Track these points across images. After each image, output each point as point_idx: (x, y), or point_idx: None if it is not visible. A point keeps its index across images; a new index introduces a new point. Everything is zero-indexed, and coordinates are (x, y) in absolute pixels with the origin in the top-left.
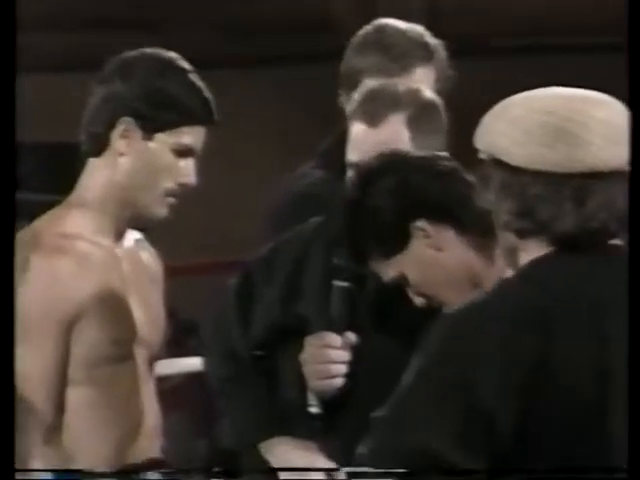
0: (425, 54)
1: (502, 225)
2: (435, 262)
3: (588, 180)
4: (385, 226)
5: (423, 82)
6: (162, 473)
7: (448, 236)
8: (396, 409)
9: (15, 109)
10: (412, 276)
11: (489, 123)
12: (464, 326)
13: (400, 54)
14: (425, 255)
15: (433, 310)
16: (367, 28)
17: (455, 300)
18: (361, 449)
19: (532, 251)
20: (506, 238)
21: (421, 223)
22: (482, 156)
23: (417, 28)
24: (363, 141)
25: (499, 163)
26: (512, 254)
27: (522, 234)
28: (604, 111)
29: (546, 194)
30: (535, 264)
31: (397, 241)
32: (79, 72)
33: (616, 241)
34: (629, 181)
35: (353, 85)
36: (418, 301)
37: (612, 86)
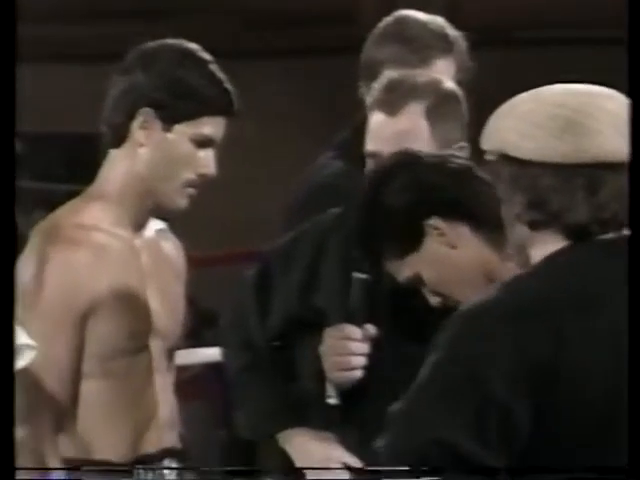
0: (445, 46)
1: (514, 218)
2: (449, 260)
3: (599, 170)
4: (399, 225)
5: (443, 73)
6: (175, 468)
7: (462, 233)
8: (412, 404)
9: (15, 101)
10: (427, 275)
11: (496, 122)
12: (477, 323)
13: (421, 46)
14: (439, 253)
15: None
16: (387, 19)
17: (470, 297)
18: (378, 443)
19: (544, 243)
20: (516, 233)
21: (435, 221)
22: (490, 157)
23: (437, 20)
24: (382, 130)
25: (508, 159)
26: (522, 250)
27: (534, 226)
28: (613, 103)
29: (557, 185)
30: (547, 261)
31: (411, 240)
32: (104, 63)
33: (626, 232)
34: (629, 179)
35: (373, 76)
36: (434, 300)
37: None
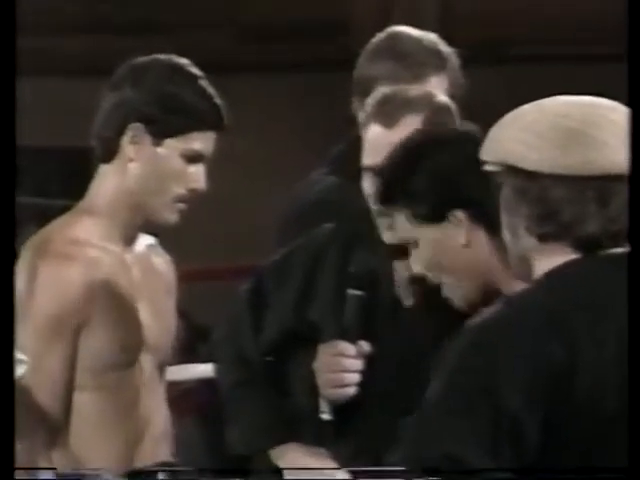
0: (439, 62)
1: (519, 230)
2: (456, 254)
3: (608, 182)
4: (424, 201)
5: (436, 89)
6: (169, 472)
7: (479, 235)
8: (424, 418)
9: (15, 113)
10: (427, 253)
11: (499, 133)
12: (489, 335)
13: (414, 62)
14: (451, 242)
15: (447, 320)
16: (380, 36)
17: (458, 298)
18: (390, 458)
19: (552, 255)
20: (521, 245)
21: (459, 213)
22: (492, 168)
23: (430, 36)
24: (379, 143)
25: (513, 170)
26: (525, 262)
27: (544, 238)
28: (616, 114)
29: (569, 196)
30: (557, 273)
31: (431, 215)
32: (96, 77)
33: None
34: (629, 182)
35: (366, 92)
36: (413, 271)
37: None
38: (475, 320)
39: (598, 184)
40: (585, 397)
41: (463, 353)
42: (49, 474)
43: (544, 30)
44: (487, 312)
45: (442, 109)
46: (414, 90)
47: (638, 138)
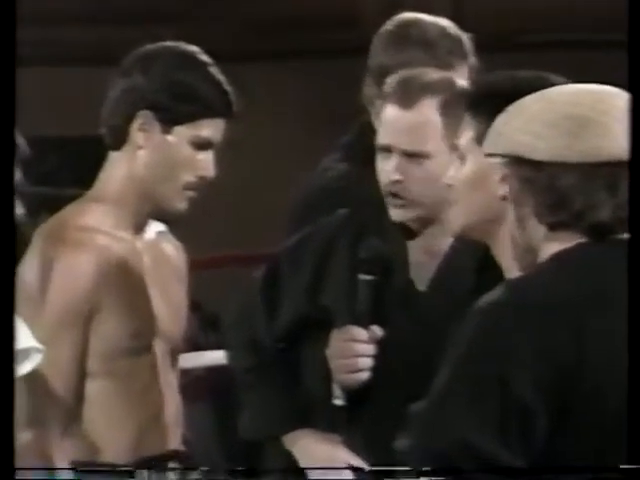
0: (462, 51)
1: (529, 219)
2: (490, 196)
3: (617, 168)
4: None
5: (461, 77)
6: (179, 470)
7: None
8: (434, 404)
9: (15, 104)
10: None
11: (503, 125)
12: (499, 319)
13: (441, 51)
14: (489, 190)
15: (457, 304)
16: (395, 22)
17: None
18: (399, 444)
19: (562, 243)
20: (528, 234)
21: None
22: (496, 160)
23: (451, 24)
24: (396, 124)
25: (520, 161)
26: (530, 253)
27: (555, 227)
28: (621, 101)
29: (580, 184)
30: (564, 255)
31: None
32: (107, 66)
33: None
34: (629, 178)
35: (385, 77)
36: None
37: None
38: (482, 303)
39: (607, 171)
40: (594, 384)
41: (472, 338)
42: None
43: (554, 17)
44: (492, 295)
45: (460, 94)
46: (433, 73)
47: (638, 126)
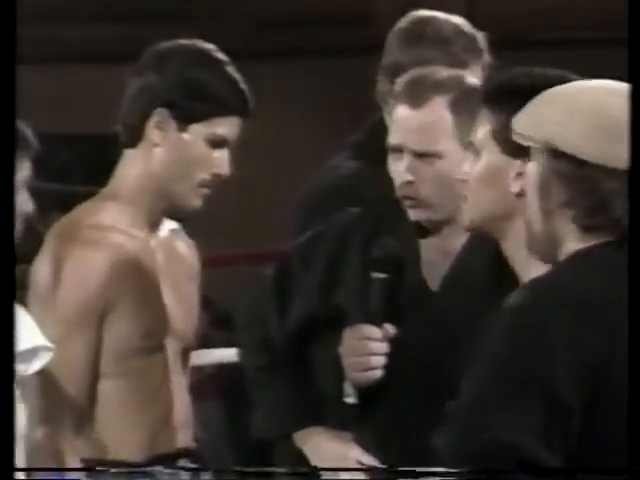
0: (477, 50)
1: (561, 217)
2: (504, 192)
3: None
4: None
5: (474, 75)
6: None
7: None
8: (472, 402)
9: (15, 102)
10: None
11: (546, 111)
12: (532, 319)
13: (456, 50)
14: (503, 186)
15: (470, 305)
16: (409, 20)
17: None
18: (436, 442)
19: (587, 241)
20: (552, 228)
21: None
22: (528, 143)
23: (465, 22)
24: (406, 123)
25: (557, 154)
26: (552, 245)
27: (591, 230)
28: None
29: (620, 189)
30: (589, 253)
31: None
32: (121, 64)
33: None
34: (629, 180)
35: (399, 74)
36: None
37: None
38: (515, 300)
39: None
40: (624, 384)
41: (508, 336)
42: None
43: (565, 14)
44: (521, 293)
45: (471, 91)
46: (444, 72)
47: (638, 124)
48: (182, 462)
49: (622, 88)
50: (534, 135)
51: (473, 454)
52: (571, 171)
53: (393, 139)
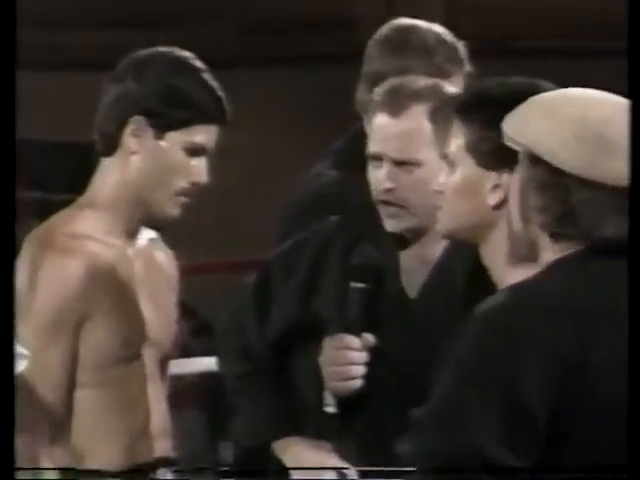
0: (459, 60)
1: (535, 223)
2: (480, 204)
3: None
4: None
5: (456, 85)
6: (174, 472)
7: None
8: (439, 406)
9: (15, 108)
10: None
11: (532, 118)
12: (505, 321)
13: (441, 60)
14: (479, 198)
15: (453, 311)
16: (390, 28)
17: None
18: (401, 448)
19: (557, 248)
20: (529, 232)
21: (506, 176)
22: (512, 145)
23: (446, 32)
24: (385, 132)
25: (537, 160)
26: (531, 248)
27: (559, 237)
28: None
29: (592, 201)
30: (570, 260)
31: (496, 160)
32: (97, 71)
33: None
34: (630, 181)
35: (379, 83)
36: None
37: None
38: (483, 308)
39: (621, 193)
40: (596, 388)
41: (477, 339)
42: None
43: (545, 23)
44: (494, 299)
45: (450, 101)
46: (422, 81)
47: (638, 133)
48: (160, 471)
49: (609, 99)
50: (518, 139)
51: (438, 459)
52: (547, 179)
53: (372, 147)
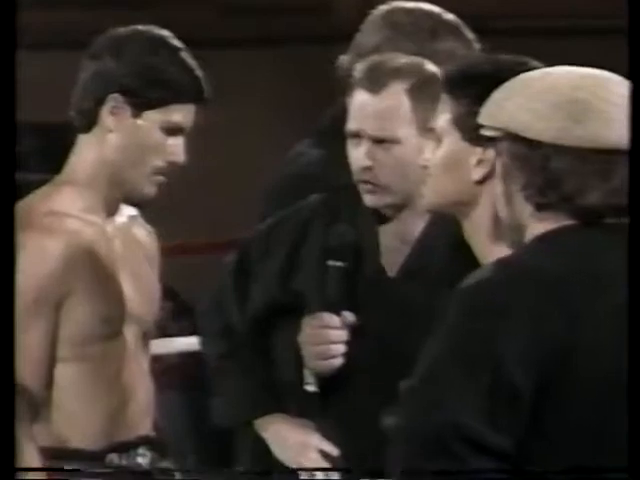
0: (467, 42)
1: (516, 196)
2: (464, 179)
3: (613, 156)
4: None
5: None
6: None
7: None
8: (424, 382)
9: (15, 90)
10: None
11: (503, 99)
12: (487, 299)
13: (449, 47)
14: (463, 174)
15: (433, 289)
16: (415, 10)
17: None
18: (388, 421)
19: (550, 223)
20: (516, 212)
21: (491, 152)
22: (491, 133)
23: (453, 16)
24: (364, 109)
25: (516, 138)
26: (518, 231)
27: (543, 207)
28: (623, 89)
29: (572, 168)
30: (553, 236)
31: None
32: (76, 50)
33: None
34: (629, 170)
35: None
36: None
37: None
38: (470, 282)
39: (602, 158)
40: (584, 365)
41: (461, 316)
42: None
43: (526, 2)
44: (481, 273)
45: (430, 78)
46: (402, 58)
47: (638, 113)
48: (142, 450)
49: (576, 69)
50: (494, 124)
51: (421, 433)
52: (526, 153)
53: (351, 125)
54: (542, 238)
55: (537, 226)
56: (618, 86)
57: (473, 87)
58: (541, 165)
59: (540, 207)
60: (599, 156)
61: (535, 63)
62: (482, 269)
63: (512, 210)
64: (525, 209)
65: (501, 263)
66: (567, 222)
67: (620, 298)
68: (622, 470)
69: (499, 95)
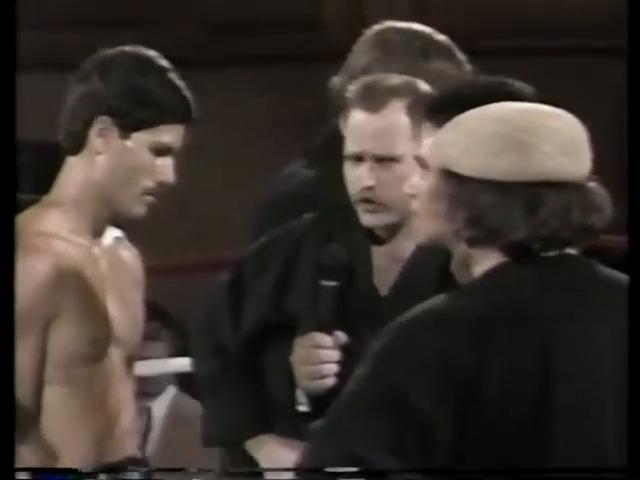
0: (458, 63)
1: (454, 235)
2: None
3: (539, 189)
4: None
5: None
6: (143, 472)
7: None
8: (332, 417)
9: (15, 108)
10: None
11: (441, 137)
12: (403, 335)
13: (446, 66)
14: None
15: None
16: (404, 30)
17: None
18: (299, 455)
19: (485, 260)
20: (457, 251)
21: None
22: (433, 170)
23: (447, 39)
24: (364, 129)
25: (449, 174)
26: (464, 268)
27: (473, 243)
28: (556, 122)
29: (496, 202)
30: (485, 276)
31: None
32: (64, 70)
33: (570, 250)
34: (628, 181)
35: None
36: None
37: (594, 87)
38: (401, 317)
39: (527, 191)
40: (497, 398)
41: (380, 351)
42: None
43: (514, 23)
44: (415, 309)
45: (425, 96)
46: (396, 78)
47: (638, 131)
48: (128, 470)
49: (512, 104)
50: (433, 162)
51: (323, 466)
52: (457, 189)
53: (352, 147)
54: (478, 278)
55: (477, 265)
56: (551, 119)
57: (452, 112)
58: (469, 200)
59: (469, 243)
60: (524, 188)
61: (518, 84)
62: (422, 305)
63: (455, 248)
64: (461, 245)
65: (429, 302)
66: (501, 260)
67: (544, 332)
68: (622, 470)
69: (439, 133)
